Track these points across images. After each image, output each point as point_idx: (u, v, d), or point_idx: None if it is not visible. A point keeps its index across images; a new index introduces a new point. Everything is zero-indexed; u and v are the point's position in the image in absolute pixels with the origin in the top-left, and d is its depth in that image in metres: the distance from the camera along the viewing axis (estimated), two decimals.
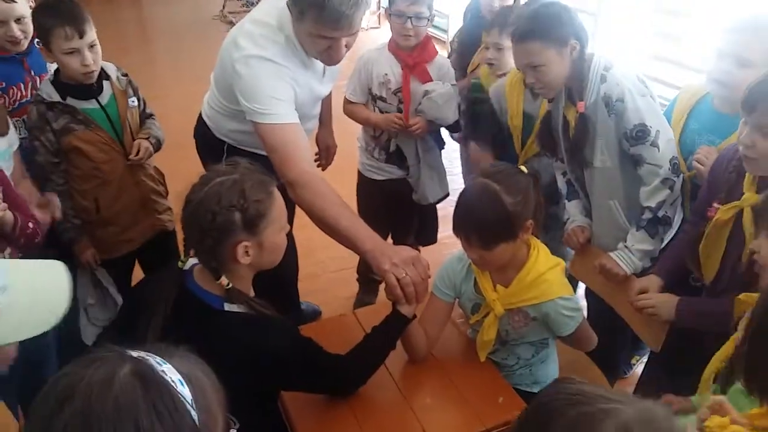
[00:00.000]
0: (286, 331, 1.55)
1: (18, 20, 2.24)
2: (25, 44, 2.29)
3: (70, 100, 2.18)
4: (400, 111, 2.55)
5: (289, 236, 2.39)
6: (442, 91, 2.47)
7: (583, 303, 2.49)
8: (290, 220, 2.51)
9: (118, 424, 0.69)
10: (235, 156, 1.82)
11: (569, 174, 2.21)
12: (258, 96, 1.97)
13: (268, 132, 1.98)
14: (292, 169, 1.91)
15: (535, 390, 1.87)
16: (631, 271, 2.01)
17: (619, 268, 2.01)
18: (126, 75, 2.35)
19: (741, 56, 1.80)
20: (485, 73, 2.65)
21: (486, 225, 1.63)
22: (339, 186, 3.08)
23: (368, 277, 3.06)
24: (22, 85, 2.31)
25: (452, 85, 2.53)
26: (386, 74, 2.54)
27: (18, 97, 2.31)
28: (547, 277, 1.70)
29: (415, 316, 1.74)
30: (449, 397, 1.74)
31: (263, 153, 2.06)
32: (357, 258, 2.96)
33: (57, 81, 2.19)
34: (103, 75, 2.26)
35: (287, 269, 2.43)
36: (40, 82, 2.29)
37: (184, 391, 0.75)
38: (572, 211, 2.24)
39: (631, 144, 1.94)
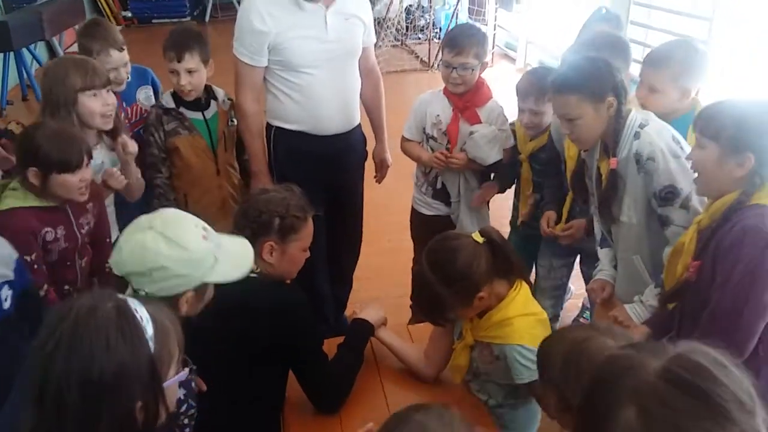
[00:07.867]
0: (296, 293, 1.86)
1: (125, 64, 2.70)
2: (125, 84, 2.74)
3: (182, 110, 2.64)
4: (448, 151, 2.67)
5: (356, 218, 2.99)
6: (485, 132, 2.57)
7: None
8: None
9: (95, 336, 1.02)
10: (279, 139, 2.65)
11: (600, 224, 2.24)
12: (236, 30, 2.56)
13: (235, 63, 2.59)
14: (237, 99, 2.65)
15: None
16: None
17: (631, 321, 2.00)
18: (231, 99, 2.76)
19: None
20: (521, 134, 2.67)
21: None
22: (396, 216, 3.28)
23: None
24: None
25: (500, 129, 2.61)
26: (438, 115, 2.68)
27: None
28: (513, 322, 1.75)
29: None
30: None
31: (292, 128, 2.62)
32: None
33: (175, 93, 2.66)
34: (212, 95, 2.70)
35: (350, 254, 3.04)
36: (131, 113, 2.76)
37: (148, 327, 1.08)
38: (603, 259, 2.25)
39: (660, 204, 1.95)
